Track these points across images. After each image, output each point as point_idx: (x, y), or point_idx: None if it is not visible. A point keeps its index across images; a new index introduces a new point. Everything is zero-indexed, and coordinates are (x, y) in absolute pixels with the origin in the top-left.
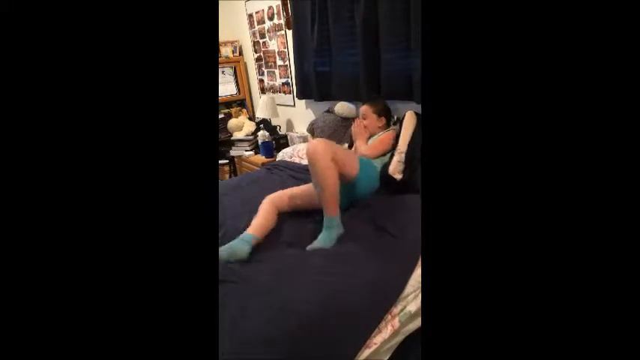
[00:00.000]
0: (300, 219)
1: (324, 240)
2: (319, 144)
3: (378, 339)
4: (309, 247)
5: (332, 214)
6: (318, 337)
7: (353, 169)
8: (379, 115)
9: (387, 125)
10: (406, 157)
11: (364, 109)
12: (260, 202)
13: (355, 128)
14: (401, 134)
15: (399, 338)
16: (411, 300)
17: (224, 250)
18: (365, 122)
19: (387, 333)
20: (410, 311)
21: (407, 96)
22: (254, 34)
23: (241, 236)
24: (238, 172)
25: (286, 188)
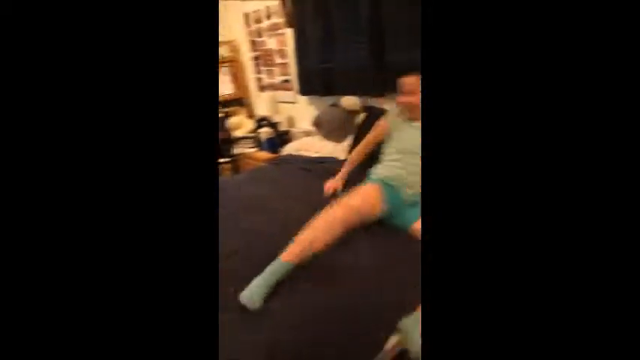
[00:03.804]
0: None
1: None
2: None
3: None
4: None
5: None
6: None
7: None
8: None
9: None
10: None
11: (413, 80)
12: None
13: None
14: None
15: None
16: None
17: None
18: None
19: None
20: None
21: None
22: (251, 33)
23: None
24: (241, 170)
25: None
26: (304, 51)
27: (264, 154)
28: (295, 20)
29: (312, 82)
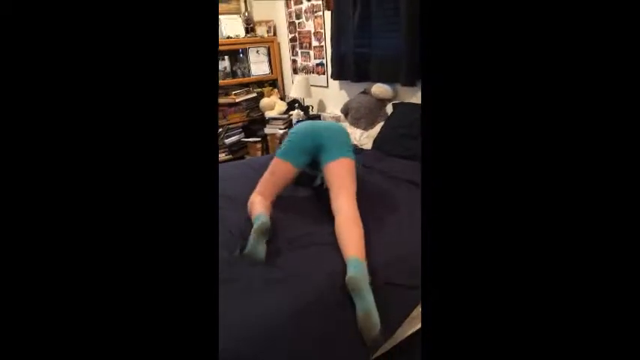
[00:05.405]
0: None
1: None
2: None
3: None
4: None
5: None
6: None
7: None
8: None
9: None
10: None
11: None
12: None
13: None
14: None
15: None
16: None
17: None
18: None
19: None
20: None
21: None
22: (290, 14)
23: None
24: (270, 150)
25: None
26: (340, 35)
27: None
28: (334, 3)
29: (345, 68)
